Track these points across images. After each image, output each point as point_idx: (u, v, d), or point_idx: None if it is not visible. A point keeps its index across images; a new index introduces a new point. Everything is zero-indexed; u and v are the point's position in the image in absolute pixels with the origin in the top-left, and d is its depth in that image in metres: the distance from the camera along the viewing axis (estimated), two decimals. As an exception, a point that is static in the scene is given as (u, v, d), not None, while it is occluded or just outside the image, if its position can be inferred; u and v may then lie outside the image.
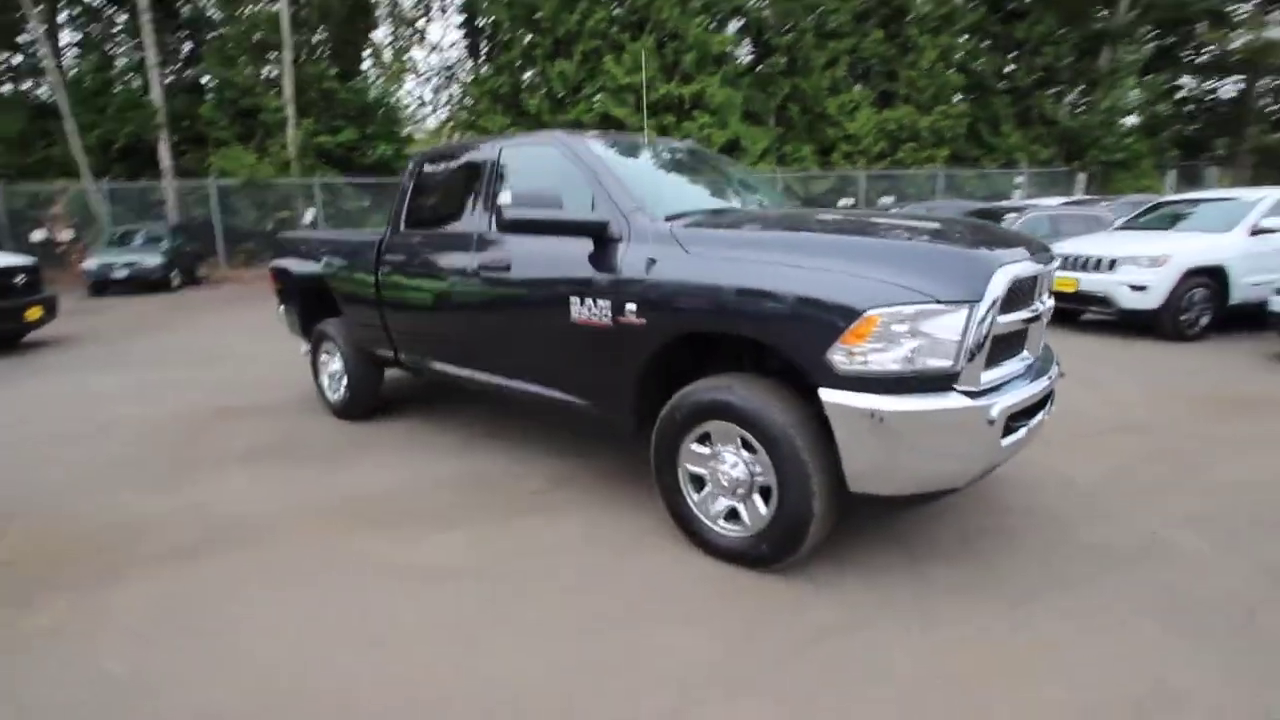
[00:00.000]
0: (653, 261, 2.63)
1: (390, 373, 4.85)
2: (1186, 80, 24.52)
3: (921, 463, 2.19)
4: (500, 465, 3.81)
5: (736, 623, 2.25)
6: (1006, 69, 23.68)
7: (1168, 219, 7.84)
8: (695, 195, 3.33)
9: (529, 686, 1.97)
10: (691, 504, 2.70)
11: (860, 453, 2.19)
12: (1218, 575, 2.48)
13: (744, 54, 23.28)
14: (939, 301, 2.11)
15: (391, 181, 20.12)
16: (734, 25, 23.12)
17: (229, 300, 13.10)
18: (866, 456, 2.19)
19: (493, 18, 22.42)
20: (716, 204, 3.37)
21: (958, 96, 22.94)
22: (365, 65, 23.19)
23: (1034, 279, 2.52)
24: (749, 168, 21.43)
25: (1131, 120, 21.99)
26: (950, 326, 2.12)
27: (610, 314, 2.76)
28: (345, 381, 4.67)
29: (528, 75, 21.21)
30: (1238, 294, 6.77)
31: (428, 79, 27.43)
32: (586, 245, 2.91)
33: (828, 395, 2.19)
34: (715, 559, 2.64)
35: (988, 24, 23.18)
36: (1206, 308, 6.74)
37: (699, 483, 2.69)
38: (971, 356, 2.17)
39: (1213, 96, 25.03)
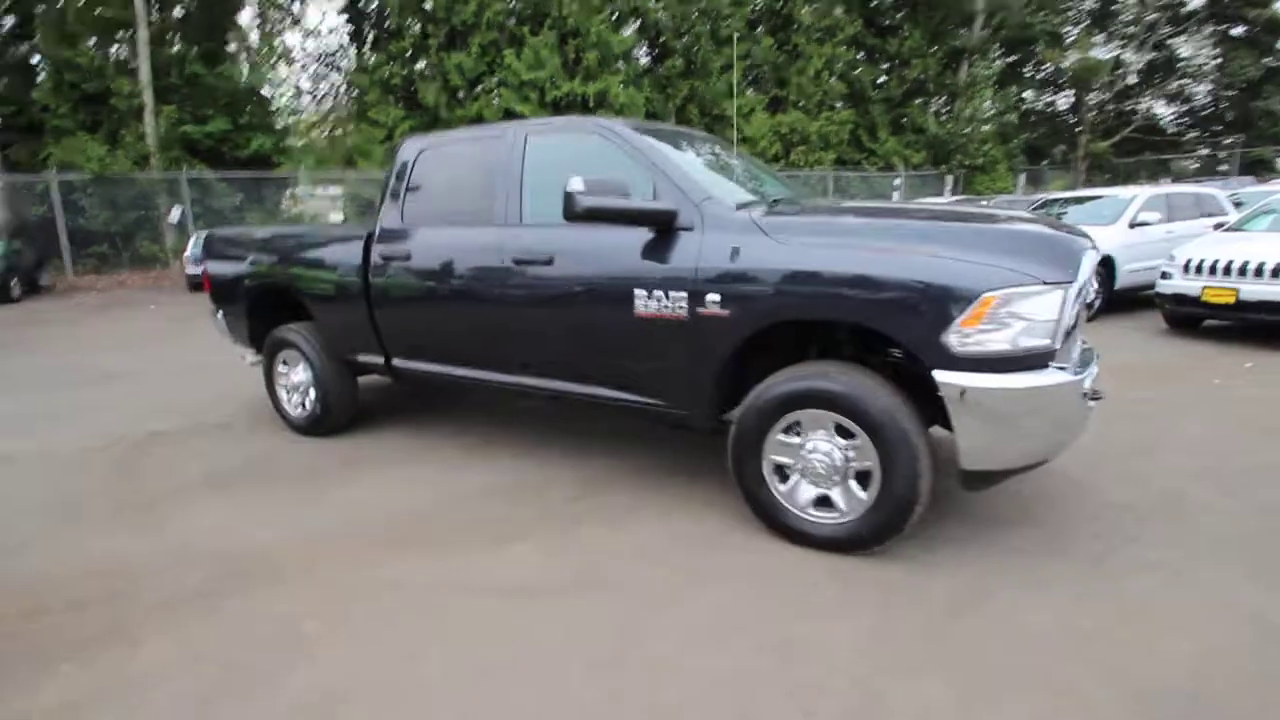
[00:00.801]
0: (737, 251, 2.56)
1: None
2: (1030, 94, 27.80)
3: (1031, 437, 2.30)
4: (516, 475, 3.57)
5: (868, 607, 2.24)
6: (880, 80, 25.66)
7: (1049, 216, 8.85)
8: (740, 185, 3.29)
9: (705, 698, 1.85)
10: (778, 495, 2.67)
11: (977, 430, 2.26)
12: (1237, 518, 2.81)
13: (642, 55, 23.52)
14: (1043, 283, 2.22)
15: (269, 177, 18.43)
16: (631, 26, 23.31)
17: (88, 311, 11.40)
18: (982, 434, 2.26)
19: (379, 2, 21.14)
20: (754, 195, 3.35)
21: (840, 104, 24.59)
22: (234, 48, 20.99)
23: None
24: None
25: (987, 129, 24.55)
26: (1051, 306, 2.24)
27: (686, 306, 2.66)
28: (315, 393, 4.19)
29: (421, 65, 20.17)
30: (1122, 280, 7.75)
31: (304, 66, 25.32)
32: (642, 235, 2.80)
33: (944, 377, 2.24)
34: (804, 548, 2.63)
35: (863, 37, 24.99)
36: (1100, 293, 7.67)
37: (781, 474, 2.67)
38: (1066, 335, 2.31)
39: (1051, 108, 28.59)
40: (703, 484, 3.33)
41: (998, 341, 2.22)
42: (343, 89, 23.29)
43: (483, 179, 3.33)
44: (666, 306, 2.71)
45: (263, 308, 4.50)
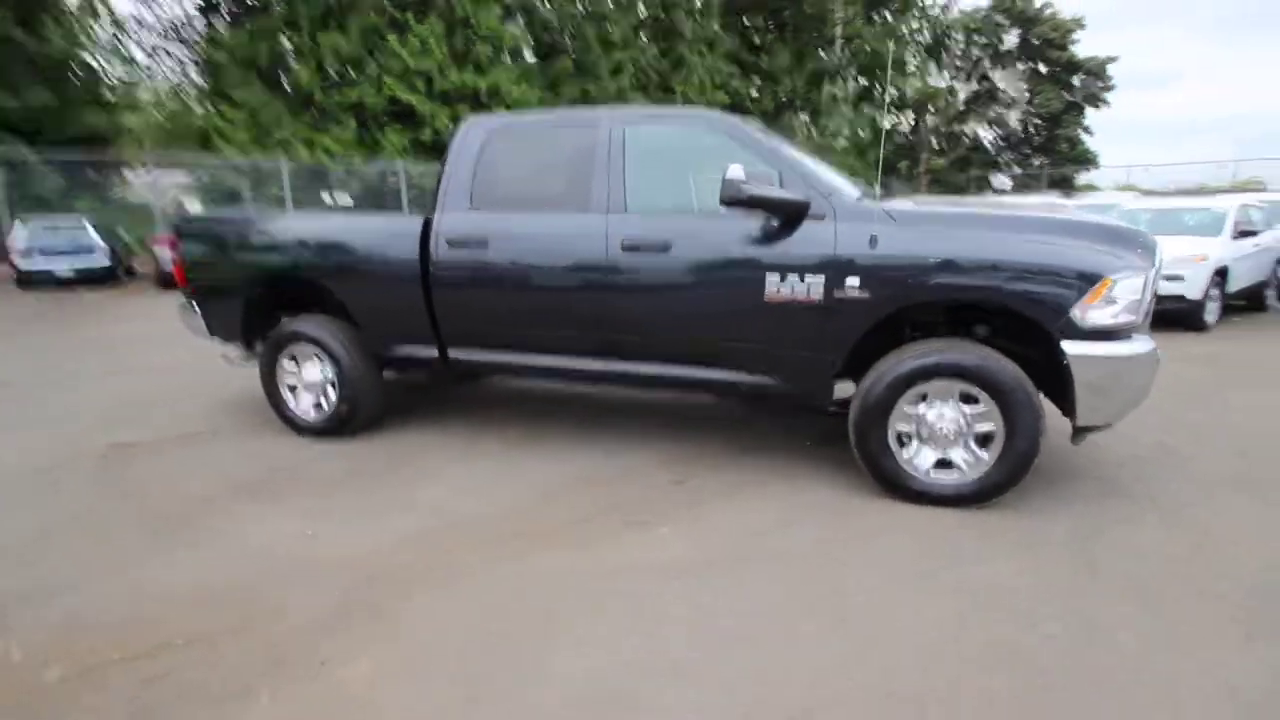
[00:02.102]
0: (875, 238, 2.78)
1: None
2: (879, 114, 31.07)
3: (1127, 396, 2.73)
4: (595, 462, 3.53)
5: (1013, 550, 2.54)
6: (754, 94, 27.37)
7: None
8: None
9: (938, 640, 2.03)
10: (900, 461, 2.92)
11: (1094, 392, 2.65)
12: (1224, 461, 3.50)
13: (529, 54, 23.20)
14: (1137, 268, 2.66)
15: (104, 160, 15.90)
16: (519, 22, 22.92)
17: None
18: (1098, 394, 2.66)
19: (239, -28, 19.04)
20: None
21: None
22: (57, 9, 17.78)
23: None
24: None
25: (845, 144, 27.09)
26: (1139, 288, 2.68)
27: (823, 290, 2.84)
28: (339, 391, 3.83)
29: (290, 44, 18.41)
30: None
31: (135, 35, 22.02)
32: (763, 224, 2.93)
33: (1071, 347, 2.61)
34: (922, 505, 2.91)
35: (739, 52, 26.52)
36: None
37: (900, 441, 2.93)
38: (1146, 312, 2.78)
39: (897, 127, 32.16)
40: (791, 458, 3.52)
41: (1104, 317, 2.63)
42: (192, 64, 20.57)
43: (575, 165, 3.26)
44: (800, 290, 2.86)
45: (260, 302, 4.03)
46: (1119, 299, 2.63)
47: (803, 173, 2.94)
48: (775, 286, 2.89)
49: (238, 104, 17.24)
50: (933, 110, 28.99)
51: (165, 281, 12.21)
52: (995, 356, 2.72)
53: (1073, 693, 1.79)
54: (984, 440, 2.82)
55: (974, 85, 29.23)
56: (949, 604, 2.21)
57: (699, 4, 25.02)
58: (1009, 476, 2.79)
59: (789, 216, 2.89)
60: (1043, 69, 29.25)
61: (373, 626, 2.16)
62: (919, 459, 2.91)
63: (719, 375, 3.14)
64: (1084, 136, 30.21)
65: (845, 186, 3.05)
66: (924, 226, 2.78)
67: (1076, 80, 29.03)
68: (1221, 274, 7.38)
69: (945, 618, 2.14)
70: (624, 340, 3.26)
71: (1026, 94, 30.28)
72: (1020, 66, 29.92)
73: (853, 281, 2.79)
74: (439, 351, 3.64)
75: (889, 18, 28.82)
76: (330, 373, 3.84)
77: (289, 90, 19.14)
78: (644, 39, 24.68)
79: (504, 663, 1.97)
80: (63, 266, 11.80)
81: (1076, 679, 1.84)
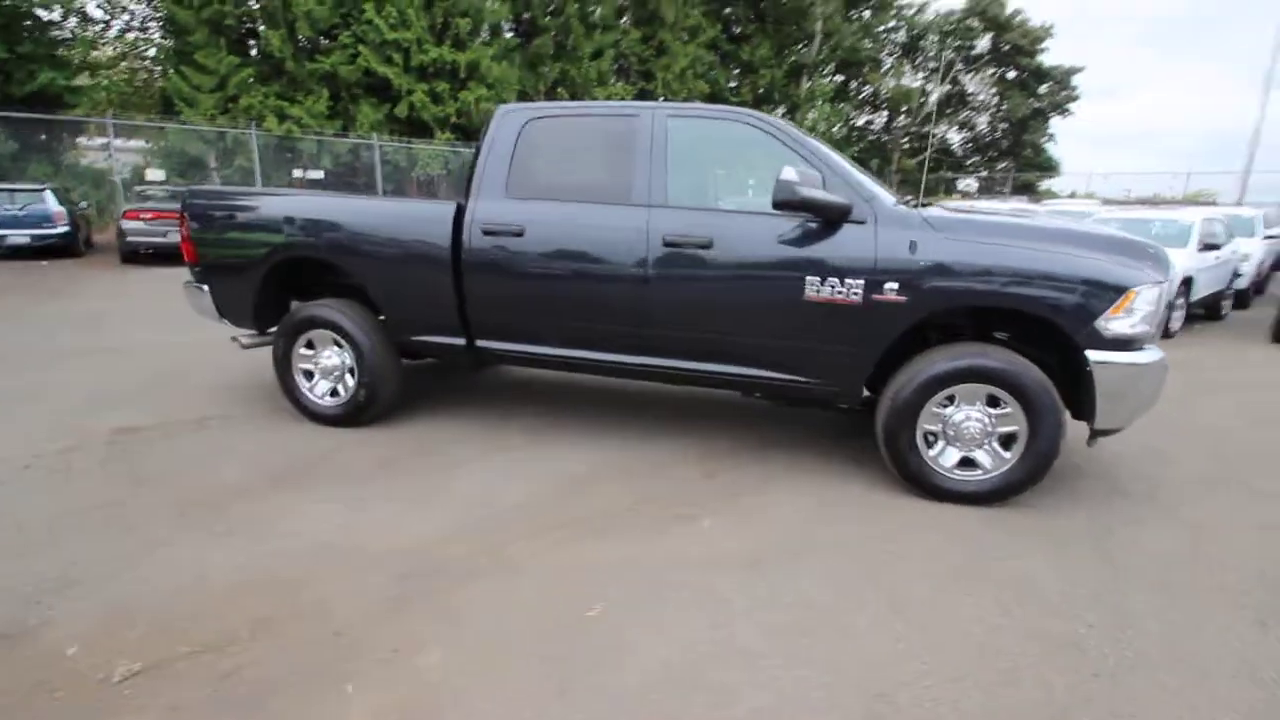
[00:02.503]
0: (914, 244, 2.88)
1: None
2: (854, 112, 31.57)
3: (1140, 402, 2.90)
4: (622, 454, 3.57)
5: (1040, 545, 2.69)
6: (733, 84, 27.44)
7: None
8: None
9: (991, 633, 2.16)
10: (927, 460, 3.06)
11: (1112, 398, 2.82)
12: (1203, 460, 3.75)
13: (510, 31, 22.74)
14: (1156, 281, 2.83)
15: (59, 119, 15.00)
16: (500, -2, 22.39)
17: None
18: (1116, 400, 2.83)
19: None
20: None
21: (701, 102, 25.92)
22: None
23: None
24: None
25: (823, 138, 27.44)
26: (1155, 299, 2.85)
27: (862, 292, 2.93)
28: (358, 378, 3.78)
29: (259, 5, 17.62)
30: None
31: (88, -11, 20.76)
32: (803, 225, 3.01)
33: (1094, 355, 2.77)
34: (943, 502, 3.05)
35: (720, 42, 26.52)
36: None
37: (926, 440, 3.06)
38: (1159, 323, 2.95)
39: (870, 125, 32.72)
40: (812, 453, 3.63)
41: (1124, 327, 2.79)
42: (154, 23, 19.54)
43: (615, 157, 3.27)
44: (840, 292, 2.95)
45: (275, 283, 3.94)
46: (1138, 310, 2.79)
47: (845, 176, 3.02)
48: (815, 287, 2.97)
49: (203, 67, 16.49)
50: (905, 110, 29.58)
51: (129, 255, 11.70)
52: (1022, 362, 2.86)
53: (1119, 677, 1.94)
54: (1007, 441, 2.97)
55: (946, 87, 29.94)
56: (990, 595, 2.35)
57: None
58: (1029, 476, 2.95)
59: (832, 219, 2.96)
60: (1011, 75, 30.15)
61: (435, 616, 2.18)
62: (944, 458, 3.05)
63: (755, 373, 3.22)
64: (1048, 144, 31.32)
65: (883, 191, 3.14)
66: (961, 235, 2.89)
67: (1043, 88, 30.03)
68: (1187, 284, 7.79)
69: (989, 609, 2.27)
70: (659, 335, 3.30)
71: (996, 98, 31.20)
72: (991, 71, 30.78)
73: (892, 285, 2.89)
74: (466, 340, 3.63)
75: (867, 15, 29.20)
76: (349, 359, 3.79)
77: (258, 55, 18.39)
78: (626, 23, 24.44)
79: (578, 651, 2.01)
80: (20, 235, 11.17)
81: (1120, 664, 1.99)
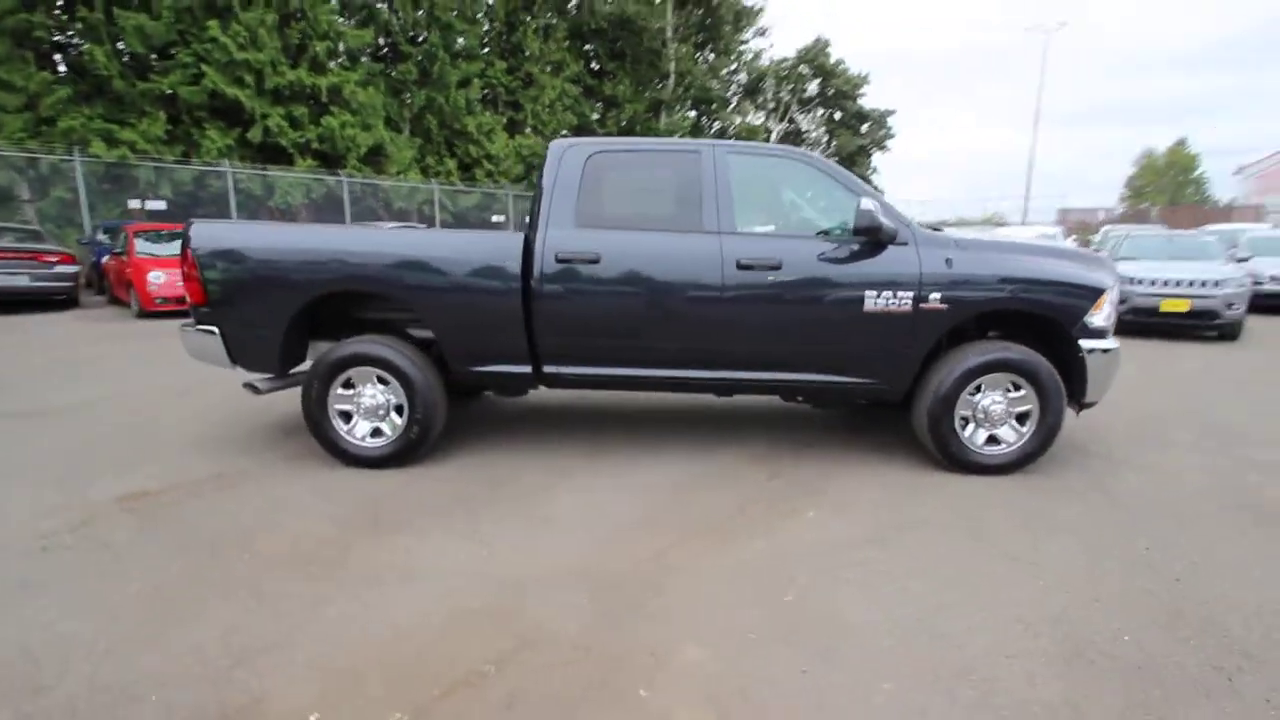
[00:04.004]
0: (950, 261, 3.46)
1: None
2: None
3: (1110, 378, 3.67)
4: (686, 467, 3.74)
5: (1074, 508, 3.34)
6: (597, 117, 28.41)
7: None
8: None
9: (1096, 581, 2.69)
10: (964, 440, 3.63)
11: (1098, 377, 3.57)
12: (1135, 428, 4.74)
13: (366, 56, 21.84)
14: (1114, 284, 3.65)
15: None
16: (358, 18, 21.48)
17: None
18: (1099, 379, 3.58)
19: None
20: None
21: (568, 133, 26.53)
22: None
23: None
24: (394, 176, 20.42)
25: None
26: (1115, 299, 3.68)
27: (911, 303, 3.45)
28: (409, 414, 3.65)
29: (77, 17, 15.45)
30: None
31: None
32: (852, 246, 3.50)
33: (1085, 344, 3.51)
34: (979, 475, 3.63)
35: (583, 77, 27.40)
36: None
37: (961, 424, 3.65)
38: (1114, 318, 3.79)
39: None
40: (841, 447, 4.09)
41: (1100, 320, 3.56)
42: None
43: (683, 188, 3.54)
44: (893, 303, 3.45)
45: (305, 321, 3.71)
46: (1106, 307, 3.59)
47: (884, 204, 3.56)
48: (873, 300, 3.46)
49: (7, 84, 14.05)
50: (753, 144, 32.59)
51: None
52: (1034, 353, 3.54)
53: (1194, 579, 2.53)
54: (1022, 419, 3.63)
55: (785, 125, 33.33)
56: (1066, 540, 2.89)
57: (543, 26, 25.46)
58: (1041, 445, 3.62)
59: (886, 242, 3.47)
60: (838, 116, 34.40)
61: (655, 620, 2.28)
62: (976, 437, 3.64)
63: (814, 378, 3.62)
64: (873, 176, 35.91)
65: (910, 218, 3.73)
66: (984, 253, 3.54)
67: (864, 127, 34.54)
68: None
69: (1073, 548, 2.80)
70: (728, 349, 3.60)
71: (827, 136, 35.28)
72: (820, 112, 34.83)
73: (935, 295, 3.45)
74: (533, 367, 3.67)
75: (712, 58, 31.73)
76: (394, 395, 3.65)
77: (69, 73, 16.01)
78: (492, 56, 24.48)
79: (804, 626, 2.23)
80: None
81: (1186, 569, 2.59)
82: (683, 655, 2.09)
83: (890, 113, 35.41)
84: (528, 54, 24.84)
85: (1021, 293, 3.49)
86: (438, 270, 3.54)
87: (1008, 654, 2.10)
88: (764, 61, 33.29)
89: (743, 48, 32.28)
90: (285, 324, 3.60)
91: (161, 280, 9.96)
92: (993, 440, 3.65)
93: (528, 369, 3.67)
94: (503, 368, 3.67)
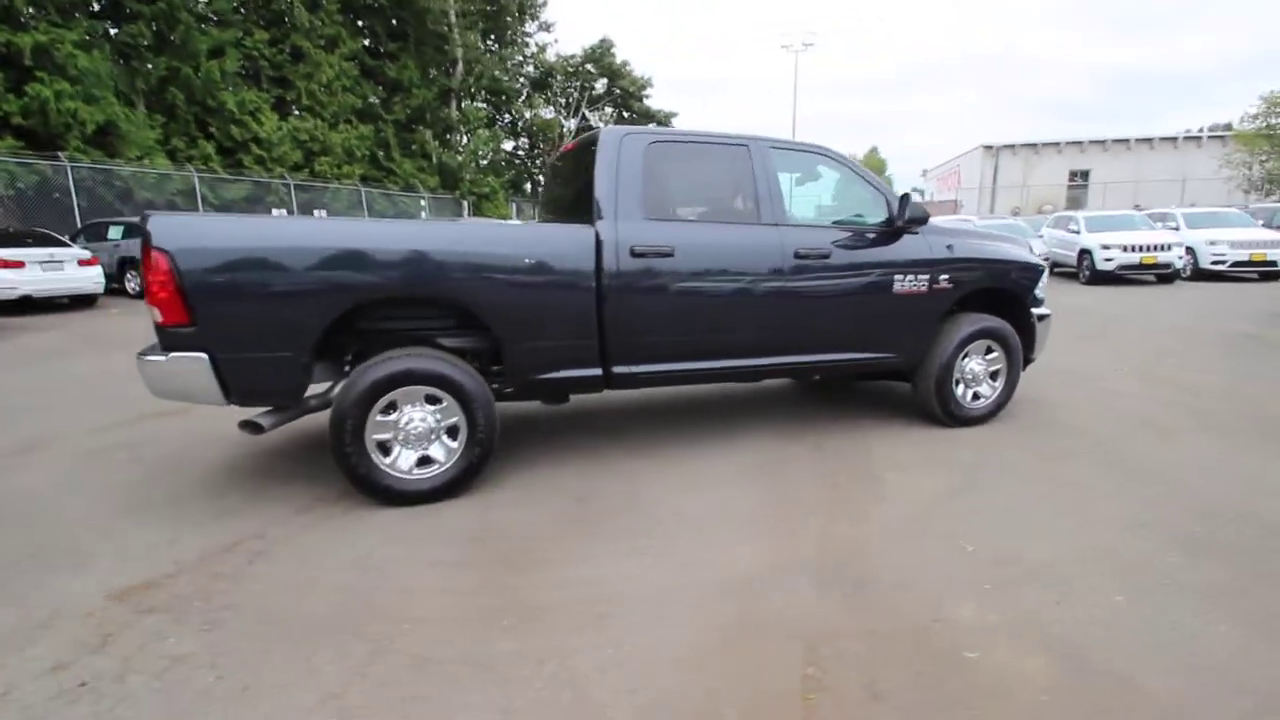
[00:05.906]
0: (951, 246, 4.03)
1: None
2: (508, 140, 33.07)
3: (1045, 340, 4.61)
4: (748, 453, 3.80)
5: (1081, 451, 4.13)
6: (383, 99, 26.06)
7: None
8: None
9: (1116, 512, 3.40)
10: (960, 398, 4.26)
11: (1040, 338, 4.45)
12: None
13: (89, 15, 17.40)
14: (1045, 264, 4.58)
15: None
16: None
17: None
18: (1040, 339, 4.47)
19: None
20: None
21: (354, 118, 23.94)
22: None
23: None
24: (135, 161, 16.85)
25: (485, 163, 28.21)
26: (1045, 275, 4.62)
27: (927, 284, 3.95)
28: (469, 437, 3.20)
29: None
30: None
31: None
32: (878, 233, 3.91)
33: (1037, 311, 4.35)
34: (969, 426, 4.31)
35: (362, 57, 24.89)
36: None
37: (957, 384, 4.29)
38: (1036, 289, 4.74)
39: (521, 151, 34.63)
40: (854, 418, 4.50)
41: (1040, 292, 4.46)
42: None
43: (738, 180, 3.58)
44: (914, 284, 3.92)
45: (327, 341, 3.05)
46: (1044, 281, 4.51)
47: (892, 196, 4.01)
48: (900, 283, 3.90)
49: None
50: (547, 139, 32.49)
51: None
52: (1004, 322, 4.28)
53: (1223, 506, 3.36)
54: (994, 375, 4.39)
55: (576, 121, 33.81)
56: (1107, 476, 3.57)
57: (311, -5, 22.54)
58: (1008, 396, 4.41)
59: (900, 231, 3.92)
60: (627, 115, 35.87)
61: (909, 592, 2.40)
62: (966, 395, 4.32)
63: (852, 356, 3.95)
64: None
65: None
66: (969, 239, 4.18)
67: (652, 127, 36.45)
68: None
69: (1120, 480, 3.51)
70: (783, 336, 3.77)
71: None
72: (610, 110, 35.99)
73: (944, 276, 4.00)
74: (602, 369, 3.45)
75: (496, 47, 30.96)
76: (446, 416, 3.18)
77: None
78: (249, 24, 21.03)
79: (1028, 568, 2.54)
80: None
81: (1214, 498, 3.41)
82: (969, 615, 2.25)
83: (674, 115, 38.03)
84: (294, 25, 21.84)
85: (1005, 271, 4.21)
86: (510, 269, 3.15)
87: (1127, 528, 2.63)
88: (551, 57, 33.44)
89: (529, 39, 32.03)
90: (314, 340, 2.92)
91: None
92: (976, 396, 4.36)
93: (598, 371, 3.45)
94: (572, 373, 3.39)
